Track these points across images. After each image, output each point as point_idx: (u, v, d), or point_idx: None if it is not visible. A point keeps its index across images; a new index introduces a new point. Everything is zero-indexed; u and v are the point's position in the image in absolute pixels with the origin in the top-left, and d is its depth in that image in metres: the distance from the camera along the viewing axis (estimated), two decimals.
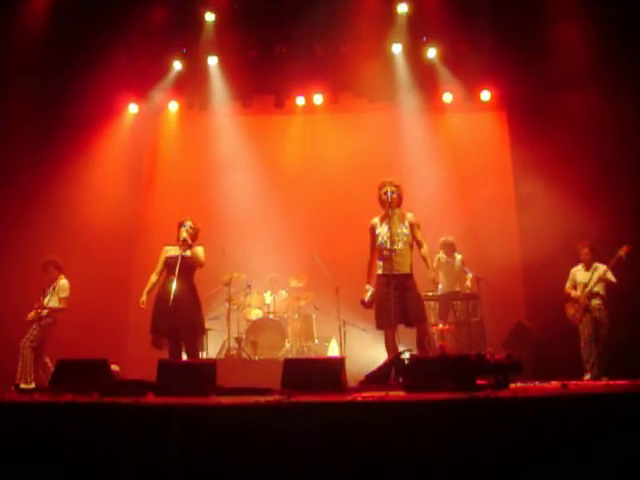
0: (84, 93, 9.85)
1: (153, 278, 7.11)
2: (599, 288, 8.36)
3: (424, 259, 6.67)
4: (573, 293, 8.53)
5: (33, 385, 7.91)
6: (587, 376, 7.99)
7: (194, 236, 7.17)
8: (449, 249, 9.52)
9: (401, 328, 6.52)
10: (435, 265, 9.51)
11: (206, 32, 10.11)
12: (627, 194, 9.13)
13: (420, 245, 6.64)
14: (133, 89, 10.84)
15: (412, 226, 6.62)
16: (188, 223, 7.16)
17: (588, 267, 8.52)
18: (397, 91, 10.53)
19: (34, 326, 8.40)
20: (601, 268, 8.40)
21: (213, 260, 7.88)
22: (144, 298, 7.01)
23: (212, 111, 11.14)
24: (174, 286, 6.75)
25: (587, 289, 8.38)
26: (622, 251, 8.22)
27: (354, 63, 10.09)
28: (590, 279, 8.41)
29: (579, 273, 8.61)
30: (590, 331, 8.29)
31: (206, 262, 7.22)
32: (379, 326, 6.51)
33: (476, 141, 10.93)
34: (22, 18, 9.38)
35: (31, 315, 8.45)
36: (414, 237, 6.62)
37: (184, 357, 7.11)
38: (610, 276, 8.33)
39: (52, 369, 8.10)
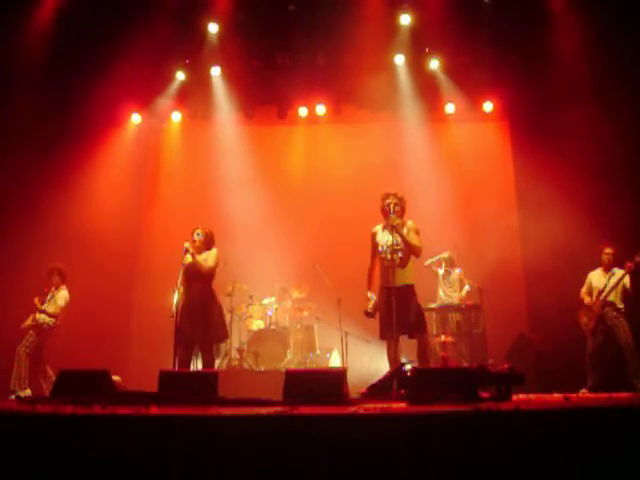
0: (87, 103, 9.90)
1: (181, 290, 7.09)
2: (614, 297, 8.04)
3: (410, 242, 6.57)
4: (587, 300, 8.27)
5: (28, 391, 7.92)
6: (583, 390, 7.75)
7: (204, 242, 7.22)
8: (447, 263, 9.58)
9: (403, 340, 6.51)
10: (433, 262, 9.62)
11: (209, 43, 10.12)
12: (631, 205, 9.09)
13: (409, 245, 6.55)
14: (136, 99, 10.89)
15: (409, 231, 6.61)
16: (196, 231, 7.23)
17: (607, 271, 8.22)
18: (399, 102, 10.57)
19: (30, 332, 8.44)
20: (619, 273, 8.08)
21: (217, 270, 7.87)
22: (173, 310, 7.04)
23: (215, 121, 11.18)
24: (175, 296, 6.77)
25: (602, 296, 8.07)
26: (639, 257, 7.88)
27: (357, 74, 10.13)
28: (606, 285, 8.10)
29: (595, 277, 8.32)
30: (601, 343, 8.05)
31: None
32: (382, 337, 6.54)
33: (478, 152, 10.94)
34: (26, 29, 9.40)
35: (27, 322, 8.47)
36: (404, 238, 6.54)
37: (198, 364, 7.14)
38: (627, 281, 8.04)
39: (53, 378, 8.14)
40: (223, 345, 8.85)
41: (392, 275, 6.45)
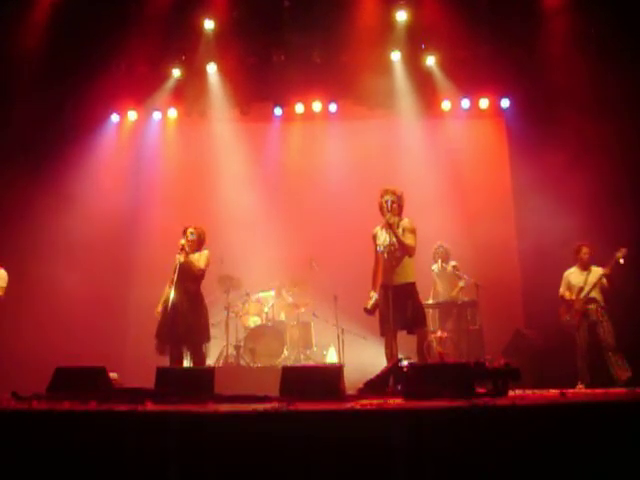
0: (84, 101, 9.92)
1: (167, 289, 7.10)
2: (595, 293, 8.14)
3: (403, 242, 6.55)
4: (567, 294, 8.33)
5: None
6: (580, 385, 7.80)
7: (197, 242, 7.19)
8: (444, 256, 9.51)
9: (401, 336, 6.52)
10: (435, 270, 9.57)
11: (205, 39, 10.12)
12: (628, 199, 9.09)
13: (402, 244, 6.53)
14: (132, 96, 10.85)
15: (404, 230, 6.61)
16: (189, 230, 7.20)
17: (584, 269, 8.31)
18: (396, 98, 10.54)
19: None
20: (597, 271, 8.18)
21: (212, 267, 7.87)
22: (159, 309, 7.06)
23: (211, 118, 11.14)
24: (171, 294, 6.77)
25: (583, 293, 8.16)
26: (620, 253, 7.97)
27: (353, 71, 10.12)
28: (586, 282, 8.19)
29: (573, 275, 8.40)
30: (587, 339, 8.09)
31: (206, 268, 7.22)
32: (382, 333, 6.55)
33: (475, 148, 10.93)
34: (21, 27, 9.38)
35: None
36: (397, 237, 6.53)
37: (186, 364, 7.11)
38: (604, 281, 8.12)
39: None
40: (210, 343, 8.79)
41: (391, 274, 6.46)
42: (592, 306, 8.14)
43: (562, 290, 8.47)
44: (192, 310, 7.00)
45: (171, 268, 7.15)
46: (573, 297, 8.28)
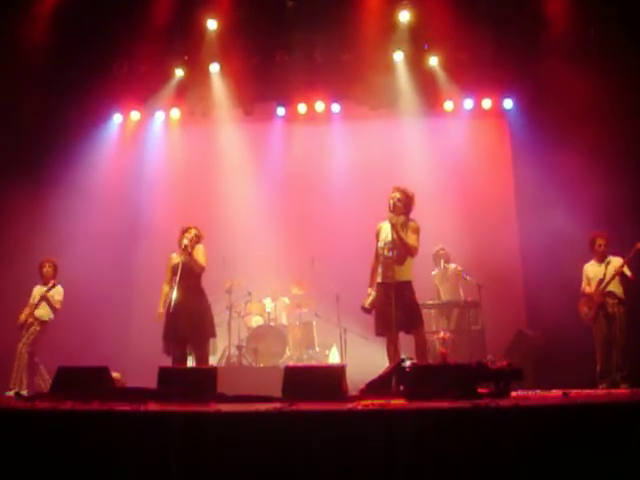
0: (86, 100, 9.94)
1: (165, 289, 7.18)
2: (614, 286, 7.80)
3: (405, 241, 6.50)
4: (587, 289, 7.99)
5: (25, 391, 7.81)
6: (603, 385, 7.48)
7: (196, 241, 7.21)
8: (445, 258, 9.50)
9: (402, 336, 6.51)
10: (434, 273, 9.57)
11: (208, 39, 10.13)
12: (633, 200, 9.05)
13: (404, 243, 6.49)
14: (135, 96, 10.85)
15: (407, 229, 6.58)
16: (192, 230, 7.21)
17: (601, 260, 7.97)
18: (398, 99, 10.53)
19: (32, 329, 8.35)
20: (616, 261, 7.85)
21: (214, 267, 7.87)
22: (160, 311, 7.05)
23: (214, 118, 11.14)
24: (174, 293, 6.78)
25: (602, 285, 7.82)
26: None
27: (356, 71, 10.12)
28: (605, 274, 7.84)
29: (590, 268, 8.07)
30: (605, 333, 7.75)
31: (207, 269, 7.23)
32: (377, 333, 6.54)
33: (477, 149, 10.90)
34: (25, 28, 9.38)
35: (24, 317, 8.41)
36: (399, 236, 6.50)
37: (190, 363, 7.12)
38: (626, 270, 7.78)
39: (46, 376, 8.08)
40: (216, 341, 8.80)
41: (390, 271, 6.44)
42: (610, 299, 7.82)
43: (583, 285, 8.12)
44: (197, 306, 7.04)
45: (167, 267, 7.18)
46: (592, 290, 7.96)
